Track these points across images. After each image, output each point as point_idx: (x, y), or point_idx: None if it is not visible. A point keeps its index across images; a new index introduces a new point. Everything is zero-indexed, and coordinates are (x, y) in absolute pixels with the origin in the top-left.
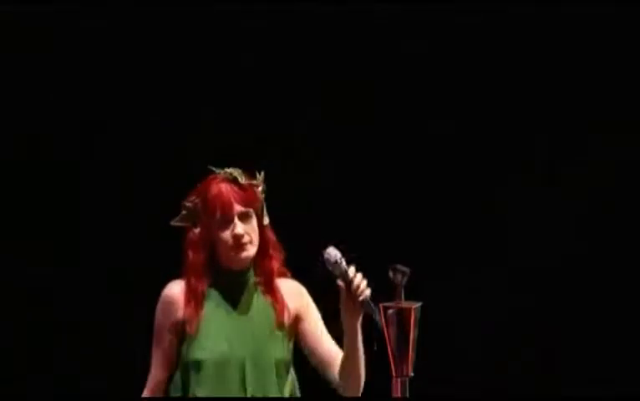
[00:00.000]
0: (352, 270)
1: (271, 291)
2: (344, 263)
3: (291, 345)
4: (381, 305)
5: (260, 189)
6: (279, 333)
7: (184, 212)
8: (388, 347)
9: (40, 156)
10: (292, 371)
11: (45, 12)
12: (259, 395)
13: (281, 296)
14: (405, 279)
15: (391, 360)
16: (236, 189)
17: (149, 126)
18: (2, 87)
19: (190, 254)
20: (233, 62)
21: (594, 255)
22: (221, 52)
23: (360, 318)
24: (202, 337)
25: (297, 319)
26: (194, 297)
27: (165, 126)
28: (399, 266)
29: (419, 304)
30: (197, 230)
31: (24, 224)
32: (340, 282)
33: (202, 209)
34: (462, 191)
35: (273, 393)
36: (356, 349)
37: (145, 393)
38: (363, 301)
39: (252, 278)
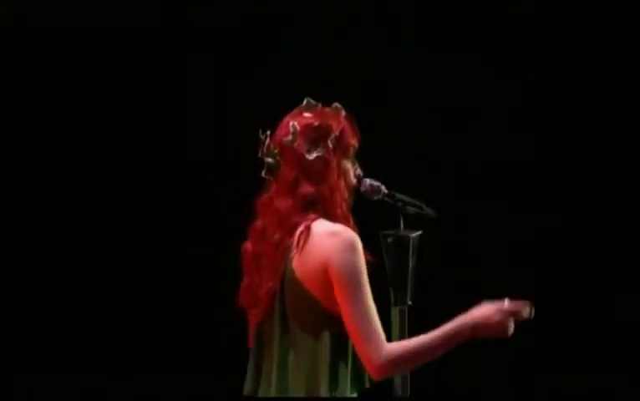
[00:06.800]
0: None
1: None
2: (384, 186)
3: None
4: (381, 233)
5: None
6: None
7: (337, 134)
8: (388, 275)
9: None
10: None
11: None
12: None
13: None
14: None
15: (390, 288)
16: None
17: None
18: None
19: (343, 181)
20: None
21: None
22: None
23: None
24: None
25: None
26: None
27: None
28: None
29: (418, 233)
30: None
31: None
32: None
33: (339, 139)
34: None
35: None
36: None
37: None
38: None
39: None
